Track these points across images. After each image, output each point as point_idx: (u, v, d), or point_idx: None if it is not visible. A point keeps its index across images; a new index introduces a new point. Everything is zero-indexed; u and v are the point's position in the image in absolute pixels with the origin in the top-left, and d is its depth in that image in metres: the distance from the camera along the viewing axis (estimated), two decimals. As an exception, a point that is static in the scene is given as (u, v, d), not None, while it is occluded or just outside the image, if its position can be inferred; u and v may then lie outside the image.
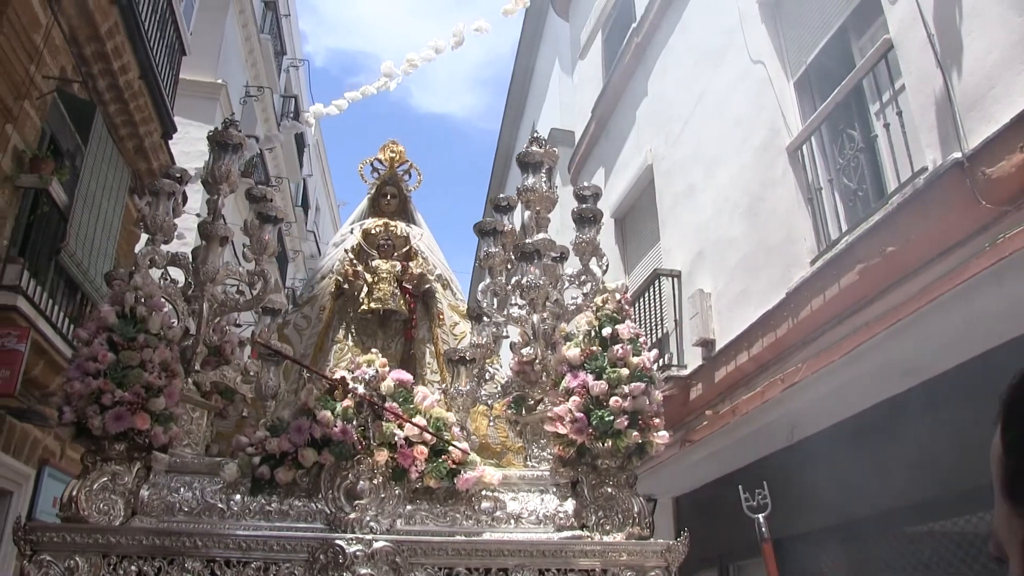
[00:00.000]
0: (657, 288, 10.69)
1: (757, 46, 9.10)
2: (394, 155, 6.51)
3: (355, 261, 6.05)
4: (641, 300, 11.06)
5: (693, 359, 9.78)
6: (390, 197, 6.48)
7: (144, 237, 5.01)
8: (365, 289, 5.92)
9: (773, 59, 8.81)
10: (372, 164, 6.52)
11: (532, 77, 21.56)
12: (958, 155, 5.70)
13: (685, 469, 9.61)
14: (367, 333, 5.97)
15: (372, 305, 5.84)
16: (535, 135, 5.56)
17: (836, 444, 7.27)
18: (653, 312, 10.78)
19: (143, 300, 4.38)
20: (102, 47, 9.44)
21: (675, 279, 10.55)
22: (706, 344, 9.42)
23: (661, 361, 10.27)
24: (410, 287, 6.02)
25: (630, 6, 13.56)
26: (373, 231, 6.24)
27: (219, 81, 17.18)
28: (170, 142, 12.06)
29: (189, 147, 15.92)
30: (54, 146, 9.32)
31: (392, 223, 6.30)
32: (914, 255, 6.12)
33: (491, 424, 5.49)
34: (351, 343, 5.93)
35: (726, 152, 9.59)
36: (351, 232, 6.45)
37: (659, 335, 10.63)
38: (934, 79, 6.18)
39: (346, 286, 6.00)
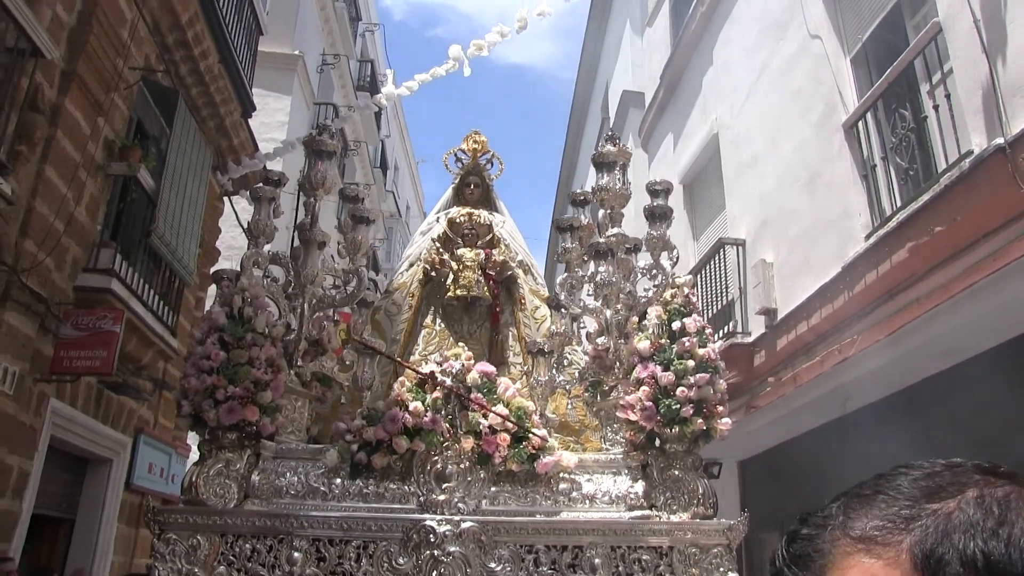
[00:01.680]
0: (722, 256, 10.90)
1: (815, 20, 9.21)
2: (477, 145, 6.80)
3: (441, 249, 6.37)
4: (707, 267, 11.29)
5: (756, 327, 10.00)
6: (473, 187, 6.79)
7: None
8: (451, 277, 6.23)
9: (831, 34, 8.92)
10: (456, 154, 6.83)
11: (605, 37, 21.64)
12: (1000, 141, 5.84)
13: (749, 434, 9.87)
14: (453, 318, 6.30)
15: (458, 292, 6.16)
16: (610, 133, 5.87)
17: (885, 416, 7.52)
18: (718, 279, 11.00)
19: (249, 301, 4.84)
20: (183, 35, 9.91)
21: (739, 247, 10.75)
22: (768, 313, 9.65)
23: (726, 328, 10.53)
24: (493, 274, 6.31)
25: (696, -27, 13.63)
26: (458, 220, 6.53)
27: (296, 52, 17.62)
28: (251, 103, 12.51)
29: (268, 118, 16.46)
30: (140, 130, 9.83)
31: (476, 212, 6.60)
32: (960, 236, 6.30)
33: (570, 405, 5.82)
34: (439, 328, 6.28)
35: (787, 125, 9.74)
36: (437, 221, 6.78)
37: (724, 302, 10.86)
38: (980, 64, 6.29)
39: (433, 274, 6.31)
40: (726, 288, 10.84)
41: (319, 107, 19.47)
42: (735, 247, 10.80)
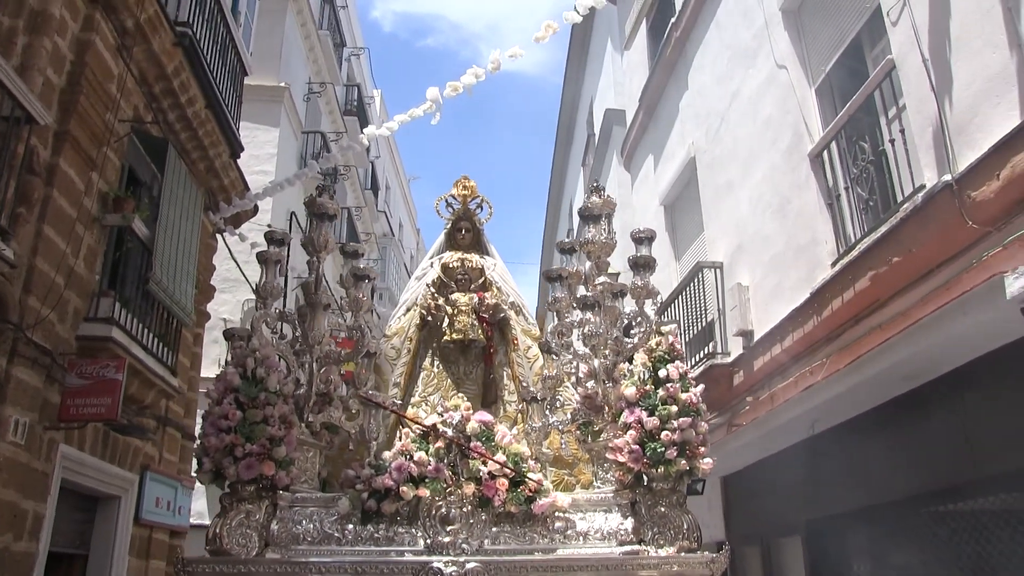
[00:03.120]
0: (701, 278, 11.23)
1: (781, 52, 9.55)
2: (467, 191, 7.15)
3: (436, 294, 6.73)
4: (687, 289, 11.62)
5: (735, 347, 10.35)
6: (465, 231, 7.13)
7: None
8: (447, 320, 6.59)
9: (796, 66, 9.26)
10: (447, 200, 7.17)
11: (588, 54, 21.98)
12: (948, 178, 6.18)
13: (730, 452, 10.21)
14: (450, 360, 6.66)
15: (454, 336, 6.53)
16: (595, 184, 6.18)
17: (851, 437, 7.90)
18: (698, 301, 11.33)
19: (261, 362, 5.19)
20: (169, 84, 10.21)
21: (717, 270, 11.08)
22: (745, 335, 9.99)
23: (706, 349, 10.87)
24: (487, 316, 6.66)
25: (670, -1, 14.01)
26: (451, 265, 6.89)
27: (281, 84, 17.98)
28: (239, 143, 12.81)
29: (258, 150, 16.83)
30: (132, 177, 10.15)
31: (468, 257, 6.95)
32: (915, 267, 6.67)
33: (563, 443, 6.18)
34: (437, 369, 6.64)
35: (758, 152, 10.08)
36: (431, 266, 7.13)
37: (704, 323, 11.19)
38: (929, 102, 6.63)
39: (429, 318, 6.67)
40: (705, 310, 11.16)
41: (307, 136, 19.84)
42: (713, 270, 11.12)
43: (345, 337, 6.14)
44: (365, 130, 11.59)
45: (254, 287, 5.98)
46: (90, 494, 9.41)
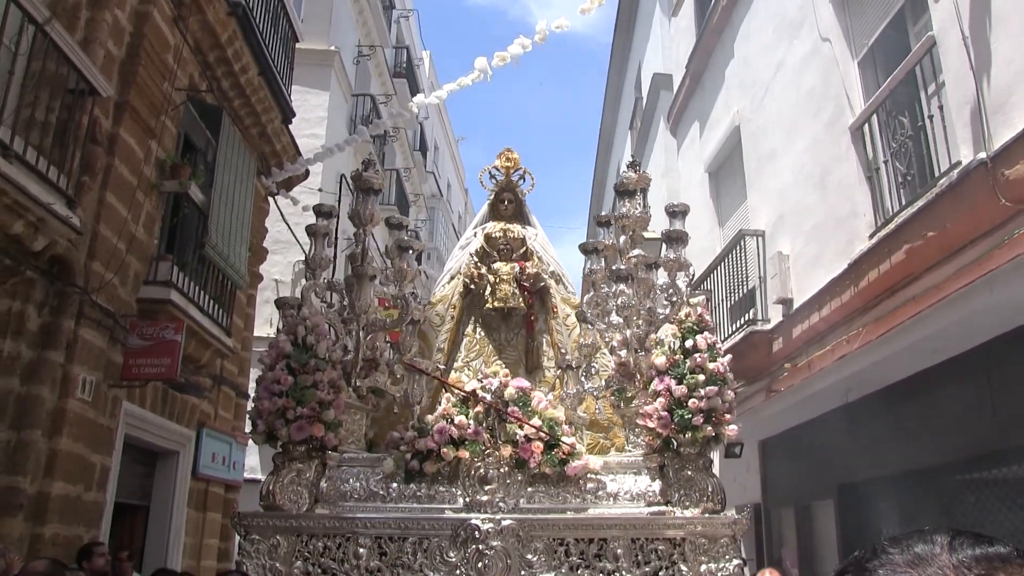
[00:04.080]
0: (743, 246, 11.37)
1: (825, 23, 9.58)
2: (509, 163, 7.36)
3: (479, 264, 6.98)
4: (730, 256, 11.77)
5: (775, 314, 10.50)
6: (507, 202, 7.36)
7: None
8: (489, 289, 6.85)
9: (840, 38, 9.31)
10: (490, 172, 7.39)
11: (637, 17, 21.98)
12: (983, 155, 6.29)
13: (768, 416, 10.41)
14: (492, 327, 6.94)
15: (496, 304, 6.78)
16: (631, 160, 6.39)
17: (884, 405, 8.07)
18: (740, 268, 11.48)
19: (311, 329, 5.51)
20: (223, 53, 10.54)
21: (759, 238, 11.21)
22: (785, 303, 10.14)
23: (747, 315, 11.04)
24: (528, 285, 6.91)
25: (717, -35, 13.99)
26: (494, 235, 7.13)
27: (331, 48, 18.18)
28: (291, 109, 13.11)
29: (308, 114, 17.08)
30: (188, 143, 10.52)
31: (510, 227, 7.19)
32: (949, 242, 6.78)
33: (599, 409, 6.44)
34: (479, 336, 6.92)
35: (801, 123, 10.16)
36: (475, 236, 7.38)
37: (746, 290, 11.34)
38: (968, 79, 6.70)
39: (472, 286, 6.94)
40: (747, 277, 11.31)
41: (357, 99, 20.07)
42: (755, 238, 11.25)
43: (392, 304, 6.43)
44: (414, 99, 11.88)
45: (304, 254, 6.33)
46: (151, 449, 9.91)
